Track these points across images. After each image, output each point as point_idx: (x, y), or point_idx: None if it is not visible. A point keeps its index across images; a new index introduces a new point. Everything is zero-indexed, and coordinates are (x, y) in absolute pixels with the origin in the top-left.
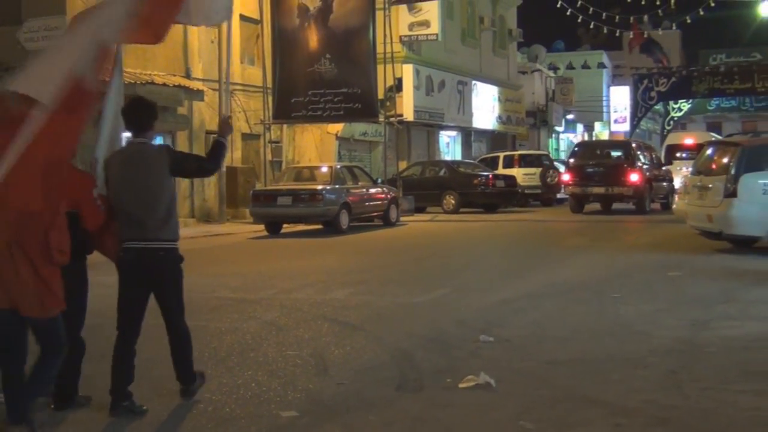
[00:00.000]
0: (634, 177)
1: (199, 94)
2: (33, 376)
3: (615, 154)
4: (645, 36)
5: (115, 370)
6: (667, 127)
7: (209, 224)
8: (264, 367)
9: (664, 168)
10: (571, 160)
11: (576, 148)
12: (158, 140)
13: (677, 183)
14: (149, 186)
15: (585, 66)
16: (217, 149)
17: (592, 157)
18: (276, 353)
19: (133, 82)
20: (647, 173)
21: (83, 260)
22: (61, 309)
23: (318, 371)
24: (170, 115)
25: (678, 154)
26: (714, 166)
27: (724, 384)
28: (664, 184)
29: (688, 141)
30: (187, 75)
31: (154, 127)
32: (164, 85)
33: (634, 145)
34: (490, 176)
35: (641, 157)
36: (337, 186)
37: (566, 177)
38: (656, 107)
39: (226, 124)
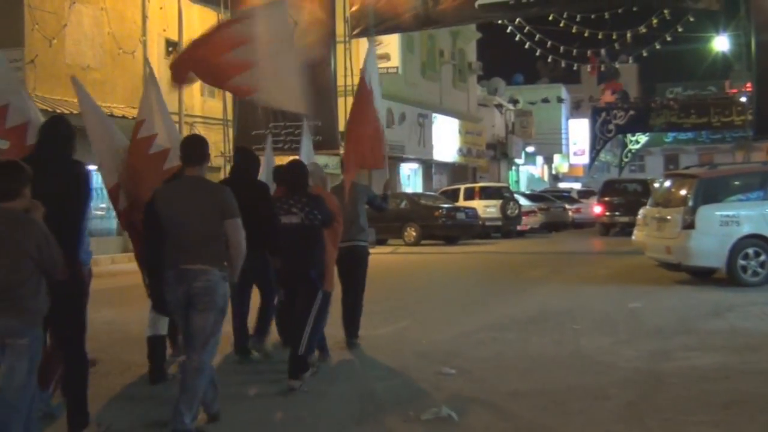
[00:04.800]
0: None
1: None
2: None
3: (635, 188)
4: (602, 68)
5: (345, 318)
6: (625, 159)
7: None
8: (225, 400)
9: None
10: (602, 197)
11: (604, 186)
12: None
13: None
14: (356, 209)
15: (545, 100)
16: (387, 197)
17: (617, 193)
18: (235, 387)
19: None
20: None
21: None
22: None
23: (276, 406)
24: None
25: None
26: (672, 198)
27: (685, 415)
28: None
29: None
30: None
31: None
32: (123, 117)
33: (648, 181)
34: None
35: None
36: None
37: (598, 209)
38: (621, 136)
39: (387, 186)
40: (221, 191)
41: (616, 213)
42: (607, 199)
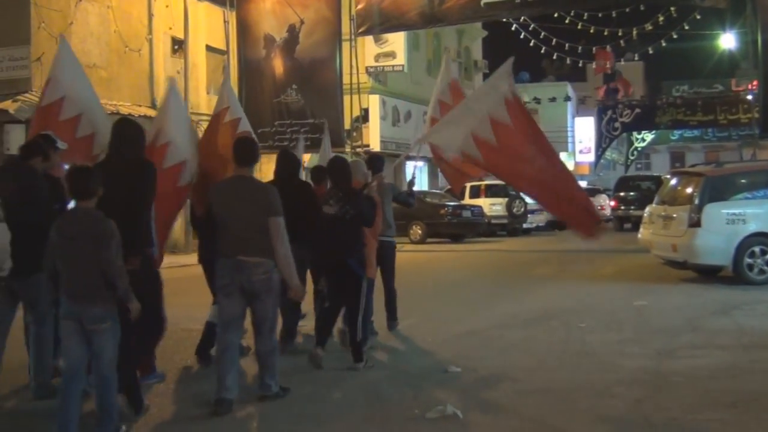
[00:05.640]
0: None
1: None
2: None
3: (647, 185)
4: (608, 66)
5: (385, 305)
6: (631, 157)
7: (175, 255)
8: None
9: None
10: (616, 192)
11: (618, 183)
12: None
13: None
14: (383, 205)
15: (552, 99)
16: (413, 193)
17: (631, 188)
18: (242, 389)
19: None
20: None
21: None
22: None
23: (284, 404)
24: None
25: None
26: (678, 196)
27: (691, 413)
28: None
29: None
30: (153, 105)
31: (383, 168)
32: (130, 115)
33: (662, 177)
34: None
35: None
36: None
37: (612, 203)
38: (627, 134)
39: (411, 184)
40: (267, 190)
41: (631, 208)
42: (622, 194)
